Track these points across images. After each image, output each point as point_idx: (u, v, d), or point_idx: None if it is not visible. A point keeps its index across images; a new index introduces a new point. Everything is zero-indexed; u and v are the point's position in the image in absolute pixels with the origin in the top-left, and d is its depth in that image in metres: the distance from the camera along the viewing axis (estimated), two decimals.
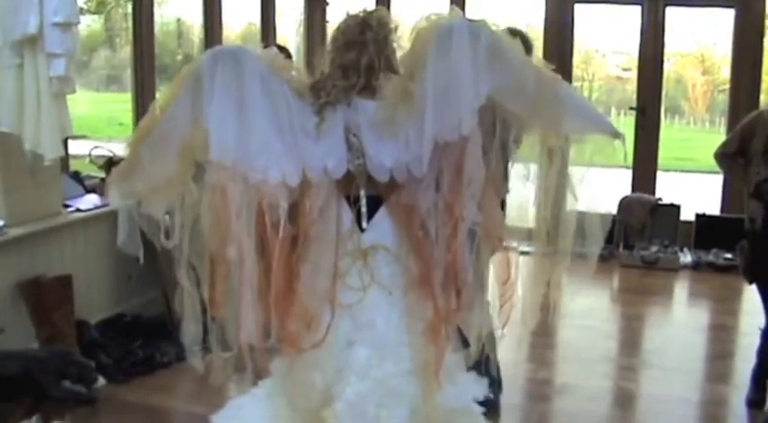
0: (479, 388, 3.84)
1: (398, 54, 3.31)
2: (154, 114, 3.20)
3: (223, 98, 3.10)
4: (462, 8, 8.64)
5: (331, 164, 3.21)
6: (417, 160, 3.14)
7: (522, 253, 3.69)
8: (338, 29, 3.38)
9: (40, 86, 4.47)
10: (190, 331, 3.35)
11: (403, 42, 3.31)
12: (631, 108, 9.25)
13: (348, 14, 3.37)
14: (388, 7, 9.16)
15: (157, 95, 6.99)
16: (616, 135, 3.20)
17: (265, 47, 3.46)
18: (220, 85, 3.09)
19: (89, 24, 11.19)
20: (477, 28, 3.05)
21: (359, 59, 3.26)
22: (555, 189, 3.23)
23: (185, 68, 3.22)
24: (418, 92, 3.09)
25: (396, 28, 3.35)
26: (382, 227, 3.34)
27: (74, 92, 4.65)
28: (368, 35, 3.28)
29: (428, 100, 3.06)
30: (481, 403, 3.62)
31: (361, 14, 3.35)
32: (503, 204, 3.34)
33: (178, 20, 11.07)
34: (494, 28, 3.08)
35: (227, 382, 3.83)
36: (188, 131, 3.17)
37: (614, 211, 8.55)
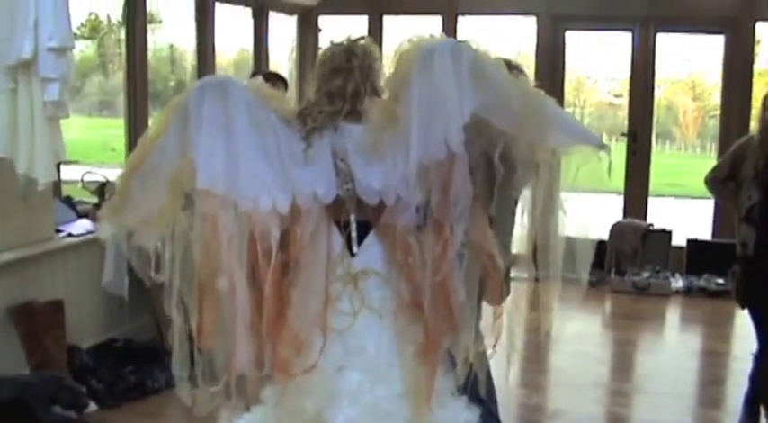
0: (470, 413, 3.83)
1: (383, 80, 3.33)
2: (144, 146, 3.22)
3: (211, 128, 3.11)
4: (453, 36, 8.70)
5: (320, 190, 3.22)
6: (405, 182, 3.15)
7: (511, 278, 3.70)
8: (324, 56, 3.39)
9: (34, 111, 4.47)
10: (179, 363, 3.34)
11: (387, 70, 3.33)
12: (623, 134, 9.29)
13: (332, 43, 3.40)
14: (380, 35, 9.21)
15: (150, 122, 7.00)
16: (601, 146, 3.21)
17: (256, 73, 3.48)
18: (208, 115, 3.11)
19: (82, 50, 11.20)
20: (459, 47, 3.09)
21: (345, 86, 3.28)
22: (543, 205, 3.25)
23: (174, 100, 3.24)
24: (403, 113, 3.11)
25: (380, 57, 3.38)
26: (372, 251, 3.34)
27: (67, 117, 4.65)
28: (354, 62, 3.30)
29: (413, 120, 3.08)
30: None
31: (346, 43, 3.37)
32: (491, 222, 3.34)
33: (171, 46, 11.09)
34: (475, 47, 3.11)
35: (217, 410, 3.84)
36: (177, 162, 3.17)
37: (606, 236, 8.58)
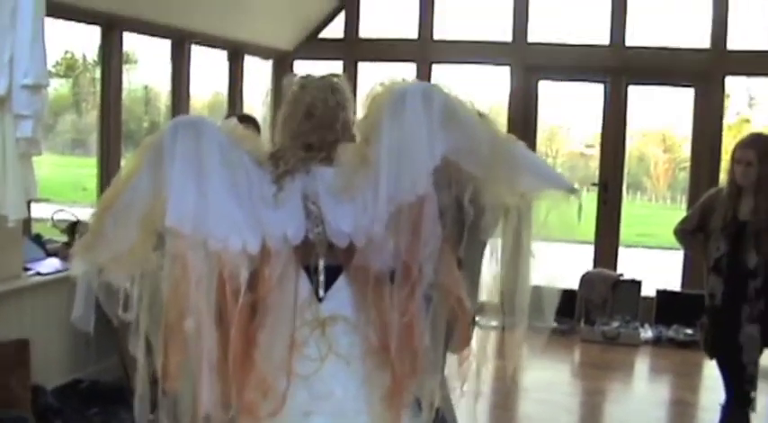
0: None
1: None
2: (117, 185, 3.21)
3: (183, 167, 3.11)
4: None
5: (290, 231, 3.21)
6: (374, 223, 3.15)
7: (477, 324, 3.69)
8: (309, 102, 3.34)
9: (7, 147, 4.44)
10: (141, 405, 3.30)
11: (359, 114, 3.33)
12: (593, 184, 9.36)
13: (310, 79, 3.36)
14: (355, 81, 9.26)
15: (122, 162, 6.98)
16: (571, 191, 3.22)
17: (230, 116, 3.47)
18: (181, 154, 3.11)
19: (56, 88, 11.24)
20: (431, 91, 3.10)
21: (325, 138, 3.27)
22: (511, 251, 3.25)
23: (148, 139, 3.23)
24: (373, 156, 3.11)
25: (353, 97, 3.38)
26: (341, 296, 3.33)
27: (40, 154, 4.62)
28: (340, 117, 3.30)
29: (383, 163, 3.09)
30: None
31: (334, 94, 3.33)
32: (459, 264, 3.34)
33: (146, 87, 11.14)
34: (447, 91, 3.13)
35: None
36: (150, 201, 3.16)
37: (576, 286, 8.59)
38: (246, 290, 3.17)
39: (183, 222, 3.10)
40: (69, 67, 11.40)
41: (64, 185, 13.11)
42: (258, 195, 3.19)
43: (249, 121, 5.82)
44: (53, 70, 9.99)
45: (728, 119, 9.93)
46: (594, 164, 10.04)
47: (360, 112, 3.34)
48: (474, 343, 3.49)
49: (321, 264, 3.28)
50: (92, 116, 9.17)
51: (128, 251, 3.19)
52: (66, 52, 10.96)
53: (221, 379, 3.21)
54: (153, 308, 3.17)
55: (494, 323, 3.52)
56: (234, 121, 3.35)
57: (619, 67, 9.01)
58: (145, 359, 3.21)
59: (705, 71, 8.86)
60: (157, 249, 3.15)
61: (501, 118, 9.17)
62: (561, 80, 9.77)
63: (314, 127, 3.29)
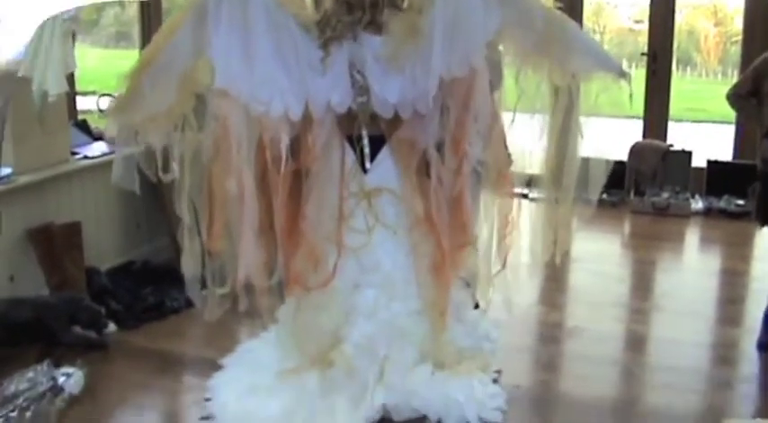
0: (488, 325, 3.84)
1: None
2: (157, 42, 3.18)
3: (229, 29, 3.08)
4: None
5: (335, 98, 3.20)
6: (423, 96, 3.12)
7: (524, 197, 3.68)
8: None
9: (55, 30, 4.47)
10: (189, 265, 3.34)
11: None
12: (643, 54, 9.14)
13: None
14: None
15: None
16: (622, 74, 3.18)
17: None
18: (227, 16, 3.08)
19: None
20: None
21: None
22: (560, 129, 3.23)
23: (191, 0, 3.20)
24: (426, 27, 3.07)
25: None
26: (385, 167, 3.33)
27: (78, 28, 4.63)
28: None
29: (436, 34, 3.05)
30: None
31: None
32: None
33: None
34: None
35: (233, 327, 3.82)
36: (191, 61, 3.15)
37: (625, 157, 8.47)
38: (289, 158, 3.17)
39: (232, 84, 3.09)
40: None
41: (109, 77, 13.12)
42: (305, 59, 3.17)
43: None
44: None
45: None
46: (643, 39, 9.80)
47: None
48: (527, 220, 3.49)
49: (365, 134, 3.27)
50: (134, 8, 9.08)
51: (165, 111, 3.20)
52: None
53: (265, 246, 3.24)
54: (194, 168, 3.18)
55: (543, 196, 3.51)
56: None
57: None
58: (191, 219, 3.24)
59: None
60: (198, 114, 3.16)
61: None
62: None
63: None
